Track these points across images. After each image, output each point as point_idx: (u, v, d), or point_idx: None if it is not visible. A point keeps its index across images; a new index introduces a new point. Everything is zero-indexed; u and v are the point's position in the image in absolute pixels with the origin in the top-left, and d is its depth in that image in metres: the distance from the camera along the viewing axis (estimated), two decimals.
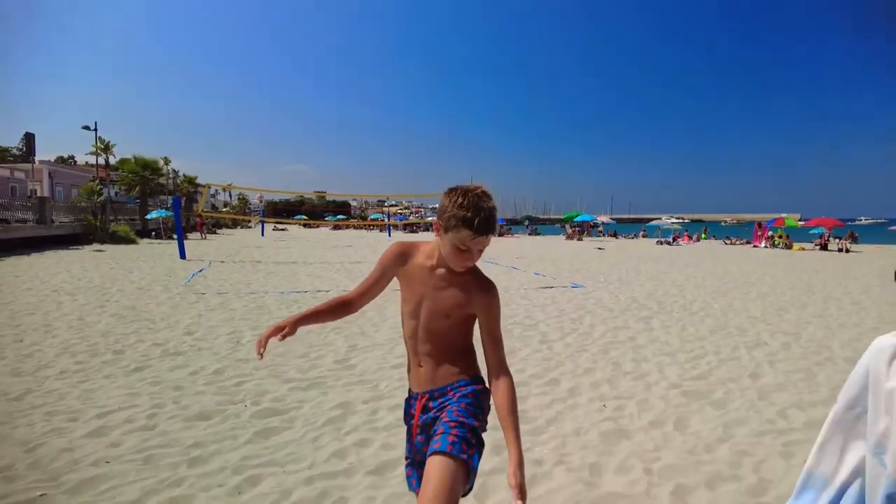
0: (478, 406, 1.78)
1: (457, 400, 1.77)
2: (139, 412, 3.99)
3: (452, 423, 1.71)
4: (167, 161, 42.34)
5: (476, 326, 1.85)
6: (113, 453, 3.33)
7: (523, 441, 3.52)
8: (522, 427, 3.78)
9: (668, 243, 32.73)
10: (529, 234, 47.04)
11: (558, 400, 4.37)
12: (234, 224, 56.08)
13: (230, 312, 7.84)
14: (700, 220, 69.79)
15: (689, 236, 36.68)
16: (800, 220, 39.53)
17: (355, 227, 59.30)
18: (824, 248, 27.67)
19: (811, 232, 31.60)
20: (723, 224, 66.79)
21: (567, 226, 42.58)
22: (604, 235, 42.50)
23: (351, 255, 20.81)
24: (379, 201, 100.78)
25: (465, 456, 1.63)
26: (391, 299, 9.15)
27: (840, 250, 26.42)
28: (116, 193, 39.36)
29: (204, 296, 9.35)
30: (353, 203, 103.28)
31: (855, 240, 32.12)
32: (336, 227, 56.42)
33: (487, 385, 1.83)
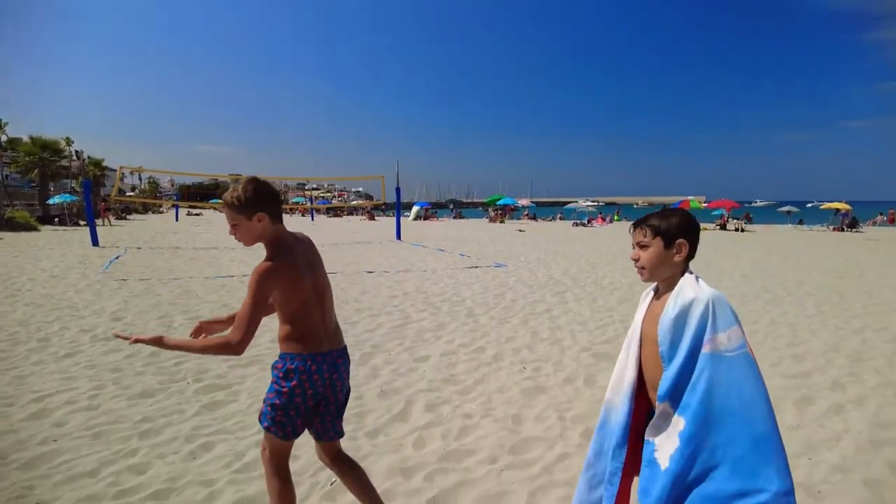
0: (278, 383, 2.13)
1: (272, 375, 2.18)
2: (79, 394, 4.05)
3: (264, 401, 2.18)
4: (69, 142, 39.29)
5: (302, 304, 2.13)
6: (59, 432, 3.43)
7: (453, 400, 3.97)
8: (452, 388, 4.24)
9: (584, 225, 34.45)
10: (454, 218, 47.78)
11: (484, 364, 4.84)
12: (146, 209, 53.09)
13: (157, 298, 7.76)
14: (614, 203, 73.38)
15: (602, 218, 38.67)
16: (704, 202, 42.54)
17: None
18: (723, 227, 30.14)
19: (713, 213, 34.22)
20: (635, 206, 70.60)
21: (490, 209, 43.62)
22: (528, 218, 43.89)
23: None
24: (299, 184, 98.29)
25: (266, 424, 2.14)
26: None
27: (736, 230, 28.90)
28: (7, 177, 36.18)
29: (126, 282, 9.11)
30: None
31: (750, 220, 35.20)
32: None
33: (305, 351, 2.14)
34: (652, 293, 1.82)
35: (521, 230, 28.23)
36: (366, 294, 8.21)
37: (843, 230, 29.42)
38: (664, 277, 1.72)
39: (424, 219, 42.18)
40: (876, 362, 5.07)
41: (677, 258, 1.67)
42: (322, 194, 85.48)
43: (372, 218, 41.95)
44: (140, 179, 78.96)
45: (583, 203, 48.09)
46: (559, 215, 44.69)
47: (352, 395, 4.09)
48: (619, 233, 26.52)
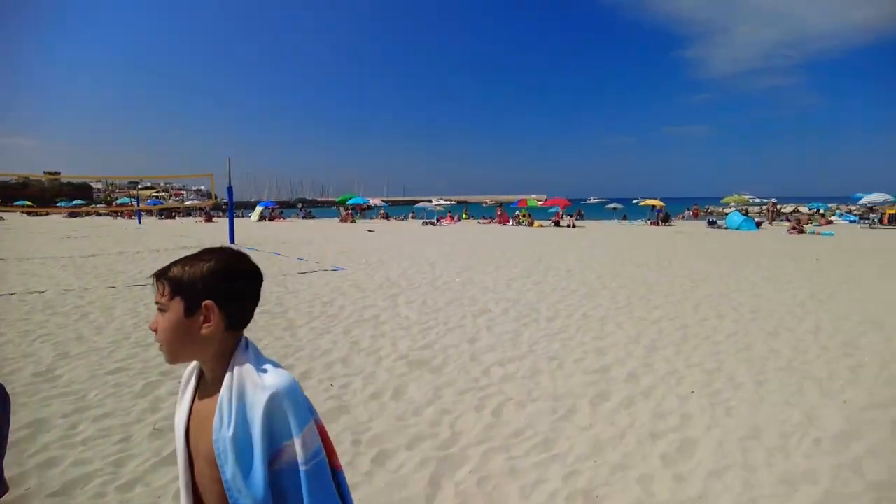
0: None
1: None
2: None
3: None
4: None
5: None
6: None
7: None
8: None
9: (433, 224, 35.10)
10: (303, 218, 46.11)
11: None
12: None
13: None
14: (465, 202, 75.95)
15: (451, 217, 39.72)
16: (541, 200, 45.49)
17: (98, 214, 51.50)
18: (557, 224, 32.37)
19: (550, 210, 36.67)
20: (483, 205, 73.60)
21: (341, 208, 42.75)
22: (382, 217, 43.66)
23: (87, 247, 18.03)
24: (131, 183, 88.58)
25: None
26: (121, 297, 8.14)
27: (569, 226, 31.21)
28: None
29: None
30: (97, 185, 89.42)
31: (581, 216, 38.31)
32: (73, 214, 48.19)
33: None
34: (195, 378, 1.25)
35: (370, 230, 27.93)
36: None
37: (658, 224, 33.14)
38: (197, 357, 1.17)
39: (270, 219, 40.23)
40: (666, 351, 5.51)
41: (205, 331, 1.12)
42: (156, 194, 77.87)
43: (209, 219, 38.96)
44: None
45: (436, 202, 49.08)
46: (411, 214, 45.15)
47: (117, 437, 3.50)
48: (465, 231, 27.40)
